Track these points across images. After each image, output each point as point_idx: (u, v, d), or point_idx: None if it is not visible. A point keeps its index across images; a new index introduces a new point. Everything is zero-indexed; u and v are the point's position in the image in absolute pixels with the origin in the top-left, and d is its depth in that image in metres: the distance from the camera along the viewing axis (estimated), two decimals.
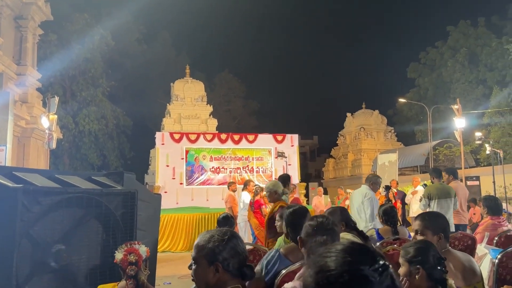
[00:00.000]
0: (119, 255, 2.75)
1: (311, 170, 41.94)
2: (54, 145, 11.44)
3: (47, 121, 11.10)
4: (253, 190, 9.19)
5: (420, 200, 7.28)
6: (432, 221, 2.55)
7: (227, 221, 4.85)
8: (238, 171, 15.57)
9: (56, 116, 11.66)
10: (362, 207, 5.65)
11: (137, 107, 30.21)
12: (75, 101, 26.51)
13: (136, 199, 3.27)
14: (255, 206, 8.95)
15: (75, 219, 3.10)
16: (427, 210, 6.57)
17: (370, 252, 0.93)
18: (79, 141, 26.52)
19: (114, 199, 3.22)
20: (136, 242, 2.86)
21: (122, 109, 29.71)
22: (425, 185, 9.61)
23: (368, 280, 0.86)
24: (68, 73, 26.03)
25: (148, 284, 2.85)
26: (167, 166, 14.77)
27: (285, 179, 6.18)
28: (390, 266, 0.91)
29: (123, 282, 2.74)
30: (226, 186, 11.15)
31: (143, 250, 2.83)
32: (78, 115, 26.19)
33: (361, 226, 3.61)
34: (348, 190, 12.85)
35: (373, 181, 5.95)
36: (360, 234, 3.05)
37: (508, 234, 4.30)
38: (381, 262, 0.90)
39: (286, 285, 2.14)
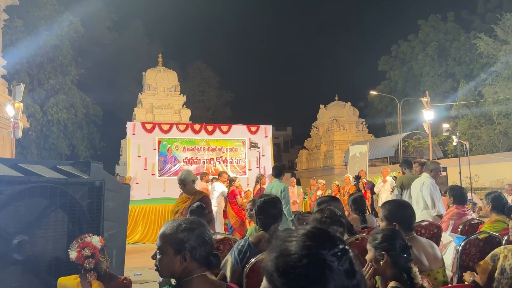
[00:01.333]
0: (73, 254, 2.72)
1: (285, 161, 42.17)
2: (20, 134, 11.09)
3: (12, 109, 10.73)
4: (226, 181, 9.22)
5: (393, 190, 7.42)
6: (389, 210, 2.62)
7: (202, 210, 4.81)
8: (212, 162, 15.50)
9: (22, 104, 11.29)
10: (420, 195, 5.48)
11: (107, 96, 29.53)
12: (43, 89, 25.67)
13: (103, 189, 3.19)
14: (230, 197, 8.99)
15: (39, 209, 3.01)
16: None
17: (331, 237, 0.93)
18: (47, 131, 25.74)
19: (80, 189, 3.14)
20: (86, 235, 2.82)
21: (92, 98, 28.96)
22: (395, 177, 9.84)
23: (327, 264, 0.86)
24: (35, 60, 25.16)
25: (110, 272, 2.81)
26: (139, 156, 14.55)
27: (280, 169, 6.17)
28: (350, 250, 0.91)
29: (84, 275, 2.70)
30: (198, 176, 11.10)
31: (96, 240, 2.79)
32: (46, 103, 25.39)
33: (417, 214, 3.45)
34: (320, 181, 13.00)
35: (433, 168, 5.64)
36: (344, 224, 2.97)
37: (472, 222, 4.44)
38: (340, 247, 0.90)
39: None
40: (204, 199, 4.86)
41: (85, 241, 2.76)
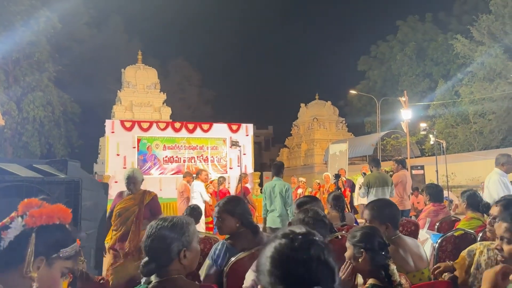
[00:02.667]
0: None
1: (266, 160, 42.26)
2: None
3: None
4: (206, 179, 9.18)
5: (360, 188, 7.49)
6: (380, 211, 2.58)
7: (196, 212, 4.80)
8: (193, 160, 15.39)
9: None
10: (487, 191, 5.19)
11: (85, 94, 29.03)
12: (19, 86, 25.03)
13: (81, 188, 3.13)
14: (220, 196, 8.97)
15: (14, 209, 2.93)
16: (366, 197, 6.82)
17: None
18: (22, 129, 25.15)
19: (57, 188, 3.07)
20: None
21: (70, 95, 28.43)
22: (364, 173, 9.97)
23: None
24: (11, 56, 24.49)
25: (87, 273, 2.74)
26: (118, 155, 14.34)
27: (279, 167, 6.14)
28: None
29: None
30: (182, 175, 11.00)
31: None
32: (22, 101, 24.79)
33: None
34: (301, 179, 13.08)
35: (504, 162, 5.08)
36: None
37: (448, 220, 4.53)
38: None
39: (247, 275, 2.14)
40: (154, 200, 4.46)
41: None
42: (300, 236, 1.01)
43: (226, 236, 2.71)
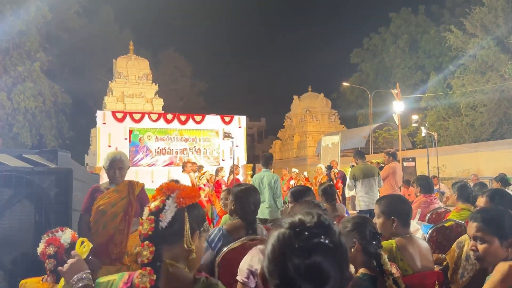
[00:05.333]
0: (40, 248, 2.48)
1: (259, 152, 42.23)
2: None
3: None
4: (193, 170, 9.21)
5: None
6: (388, 205, 2.50)
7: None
8: (185, 152, 15.36)
9: None
10: None
11: (77, 84, 28.72)
12: (9, 76, 24.70)
13: (71, 178, 3.10)
14: (216, 187, 9.00)
15: (3, 199, 2.90)
16: (354, 190, 6.85)
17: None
18: (13, 119, 24.87)
19: (47, 178, 3.04)
20: (59, 229, 2.57)
21: (61, 86, 28.05)
22: (353, 166, 10.02)
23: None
24: (0, 46, 24.13)
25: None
26: (109, 146, 14.25)
27: (268, 159, 6.14)
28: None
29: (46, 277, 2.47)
30: (174, 167, 10.97)
31: (66, 237, 2.52)
32: (12, 91, 24.47)
33: None
34: (294, 170, 13.16)
35: None
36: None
37: (439, 211, 4.57)
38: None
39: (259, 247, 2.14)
40: (144, 191, 3.58)
41: (54, 236, 2.51)
42: (306, 233, 0.92)
43: (222, 222, 2.74)
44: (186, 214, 1.43)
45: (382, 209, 2.49)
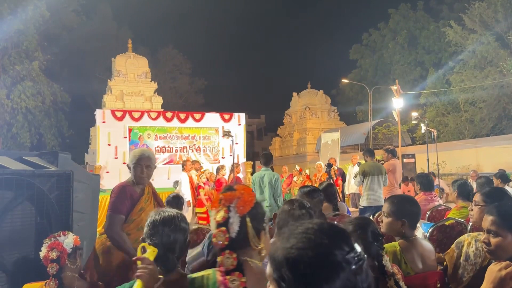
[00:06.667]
0: (42, 252, 2.46)
1: (258, 149, 42.29)
2: None
3: None
4: (192, 168, 9.20)
5: (355, 176, 7.61)
6: (398, 206, 2.46)
7: (178, 201, 4.75)
8: (185, 150, 15.35)
9: None
10: None
11: (75, 83, 28.70)
12: (8, 75, 24.67)
13: (72, 180, 3.10)
14: (217, 185, 8.99)
15: (4, 202, 2.90)
16: (361, 185, 7.00)
17: (347, 238, 0.92)
18: (12, 119, 24.86)
19: (48, 181, 3.04)
20: (61, 233, 2.56)
21: (60, 85, 28.03)
22: (359, 163, 10.06)
23: (341, 266, 0.85)
24: None
25: (79, 281, 2.56)
26: (109, 145, 14.25)
27: (268, 157, 6.16)
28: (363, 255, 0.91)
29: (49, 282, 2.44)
30: (174, 165, 10.96)
31: (68, 241, 2.51)
32: (12, 91, 24.44)
33: None
34: (297, 167, 13.20)
35: None
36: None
37: (439, 208, 4.58)
38: (358, 251, 0.90)
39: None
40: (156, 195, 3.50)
41: (57, 240, 2.48)
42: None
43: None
44: (248, 219, 1.55)
45: (393, 209, 2.45)
